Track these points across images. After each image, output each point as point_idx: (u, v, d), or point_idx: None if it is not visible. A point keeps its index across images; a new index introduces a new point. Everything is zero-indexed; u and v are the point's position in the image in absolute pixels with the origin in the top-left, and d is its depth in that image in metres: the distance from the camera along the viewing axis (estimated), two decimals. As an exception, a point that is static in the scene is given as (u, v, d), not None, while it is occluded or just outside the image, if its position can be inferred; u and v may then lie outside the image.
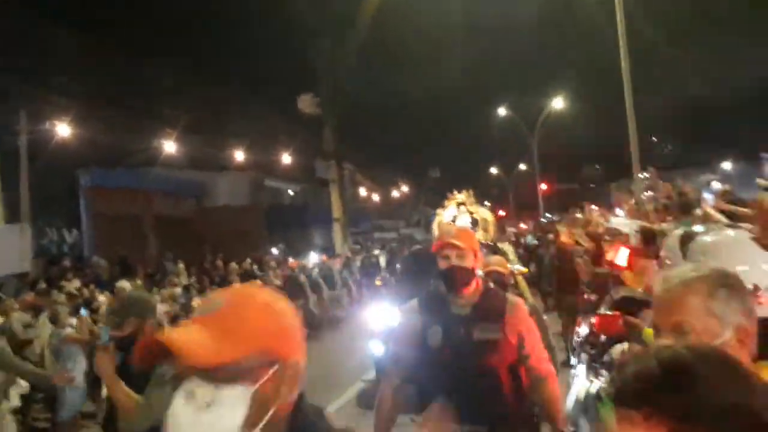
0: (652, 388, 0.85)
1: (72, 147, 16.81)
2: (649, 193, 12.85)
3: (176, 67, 18.46)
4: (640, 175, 13.61)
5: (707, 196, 10.06)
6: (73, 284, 12.26)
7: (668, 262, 3.68)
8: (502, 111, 30.47)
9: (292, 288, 12.96)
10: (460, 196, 11.07)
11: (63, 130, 15.96)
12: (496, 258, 4.13)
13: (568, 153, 35.70)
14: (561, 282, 8.65)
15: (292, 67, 20.77)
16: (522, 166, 37.81)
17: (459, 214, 11.01)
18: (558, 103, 28.71)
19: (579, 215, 16.45)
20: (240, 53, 20.68)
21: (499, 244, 10.58)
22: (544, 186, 33.89)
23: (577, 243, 8.88)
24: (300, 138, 23.20)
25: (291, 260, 17.05)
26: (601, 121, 26.14)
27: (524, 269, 8.68)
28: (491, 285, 2.91)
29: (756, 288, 2.85)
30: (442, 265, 2.67)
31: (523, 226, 30.11)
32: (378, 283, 14.65)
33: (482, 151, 36.47)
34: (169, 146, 19.34)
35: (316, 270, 15.81)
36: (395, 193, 38.20)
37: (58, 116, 15.75)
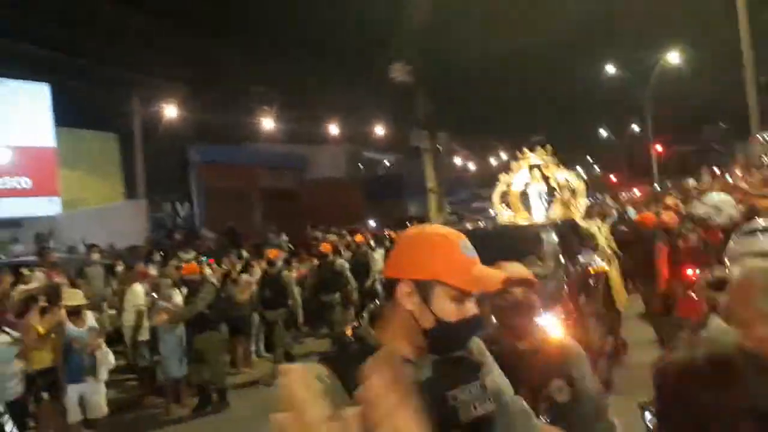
0: (691, 380, 0.95)
1: (182, 126, 18.08)
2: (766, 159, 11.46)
3: (271, 47, 19.10)
4: (759, 136, 12.23)
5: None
6: (190, 255, 13.19)
7: (727, 256, 3.33)
8: (610, 68, 28.54)
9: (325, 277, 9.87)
10: (533, 156, 8.26)
11: (172, 111, 17.18)
12: (515, 266, 2.27)
13: (687, 111, 32.82)
14: (639, 272, 7.05)
15: (384, 37, 20.69)
16: (634, 127, 35.40)
17: (531, 181, 8.18)
18: (673, 57, 26.38)
19: (692, 181, 14.67)
20: (330, 27, 20.94)
21: (586, 223, 7.76)
22: (659, 148, 31.59)
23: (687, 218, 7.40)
24: (394, 108, 23.23)
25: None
26: (723, 74, 23.71)
27: (601, 266, 6.21)
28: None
29: None
30: (474, 311, 1.41)
31: (637, 192, 28.35)
32: None
33: (590, 112, 34.46)
34: (270, 122, 20.23)
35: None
36: (494, 161, 37.31)
37: (167, 99, 16.96)
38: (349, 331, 1.48)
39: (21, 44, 12.98)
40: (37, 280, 8.60)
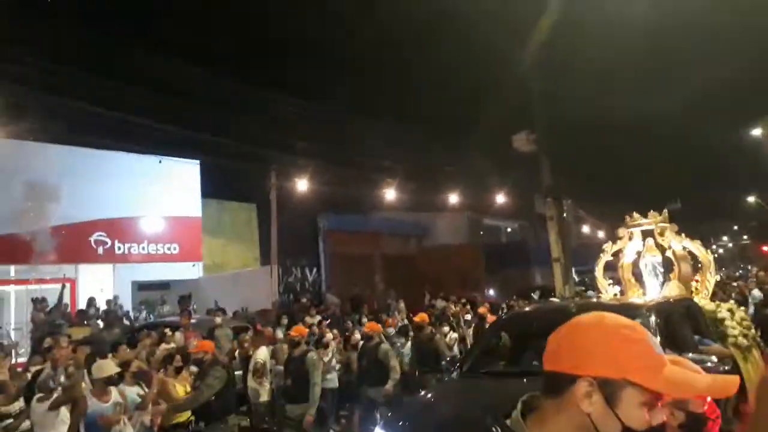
0: None
1: (313, 197, 19.32)
2: None
3: (396, 120, 20.08)
4: None
5: None
6: (314, 319, 13.74)
7: None
8: (756, 131, 26.33)
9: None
10: (646, 221, 7.28)
11: (304, 184, 18.46)
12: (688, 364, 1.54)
13: None
14: None
15: (507, 107, 20.95)
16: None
17: (645, 251, 7.10)
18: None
19: None
20: (452, 99, 21.59)
21: (713, 304, 6.37)
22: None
23: None
24: (517, 175, 23.09)
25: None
26: None
27: (713, 363, 4.14)
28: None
29: None
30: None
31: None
32: None
33: (734, 178, 31.73)
34: (393, 192, 21.02)
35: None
36: (626, 229, 35.26)
37: (300, 173, 18.31)
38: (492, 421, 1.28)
39: (176, 127, 14.87)
40: (176, 340, 9.47)
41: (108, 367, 5.56)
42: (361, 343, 8.90)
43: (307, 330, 8.19)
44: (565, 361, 1.23)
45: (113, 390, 5.46)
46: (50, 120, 13.65)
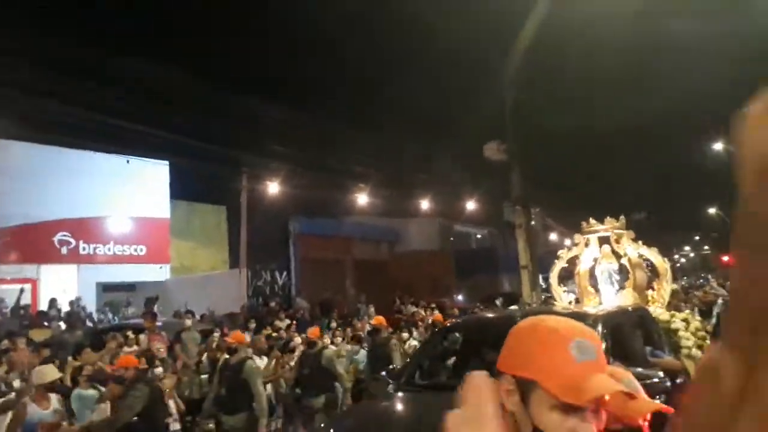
0: None
1: (284, 200, 19.24)
2: None
3: (369, 127, 20.13)
4: None
5: None
6: (283, 323, 13.65)
7: None
8: (718, 145, 27.12)
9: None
10: (602, 228, 6.97)
11: (275, 187, 18.38)
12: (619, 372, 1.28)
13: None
14: None
15: (480, 115, 21.20)
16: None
17: (601, 258, 6.85)
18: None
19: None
20: (424, 106, 21.74)
21: (668, 314, 6.28)
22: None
23: None
24: (488, 183, 23.34)
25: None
26: None
27: (659, 378, 3.82)
28: None
29: None
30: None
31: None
32: None
33: (698, 190, 32.60)
34: (365, 197, 21.06)
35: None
36: (592, 238, 35.91)
37: (271, 176, 18.22)
38: None
39: (145, 128, 14.67)
40: (141, 343, 9.33)
41: (50, 372, 5.37)
42: (302, 349, 8.41)
43: (244, 336, 7.67)
44: (501, 359, 1.27)
45: (53, 396, 5.28)
46: (15, 117, 13.35)
